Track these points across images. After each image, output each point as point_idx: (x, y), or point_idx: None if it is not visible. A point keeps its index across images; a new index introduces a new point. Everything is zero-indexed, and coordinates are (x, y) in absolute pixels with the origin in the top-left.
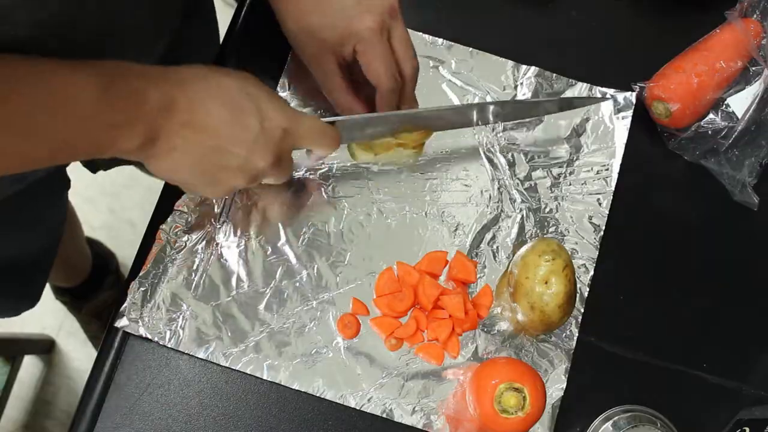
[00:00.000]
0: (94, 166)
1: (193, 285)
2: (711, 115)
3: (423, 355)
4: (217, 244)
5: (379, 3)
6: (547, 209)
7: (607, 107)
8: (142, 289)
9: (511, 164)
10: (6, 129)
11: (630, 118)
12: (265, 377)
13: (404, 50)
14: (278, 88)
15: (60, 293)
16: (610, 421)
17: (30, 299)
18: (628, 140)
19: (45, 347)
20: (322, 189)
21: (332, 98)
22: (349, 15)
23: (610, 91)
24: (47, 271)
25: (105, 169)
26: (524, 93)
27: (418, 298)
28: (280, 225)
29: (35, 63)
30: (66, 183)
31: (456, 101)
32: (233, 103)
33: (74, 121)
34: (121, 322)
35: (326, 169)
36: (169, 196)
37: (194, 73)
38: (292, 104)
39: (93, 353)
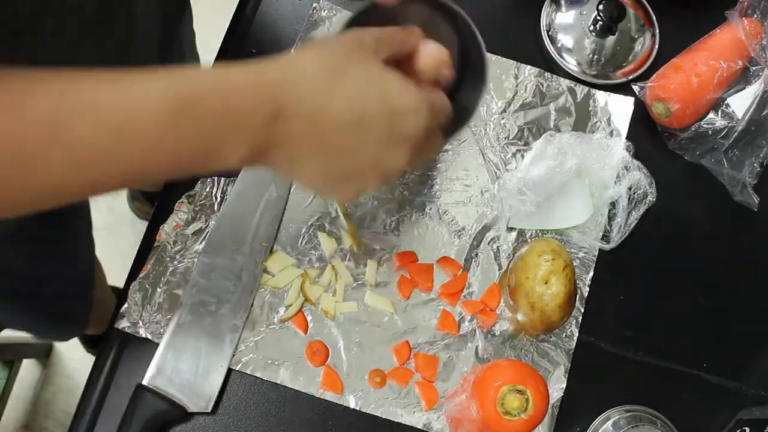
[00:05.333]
0: None
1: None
2: (711, 115)
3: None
4: None
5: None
6: None
7: (606, 108)
8: (142, 290)
9: (511, 164)
10: (56, 158)
11: (630, 118)
12: (265, 377)
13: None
14: None
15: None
16: (610, 421)
17: (78, 325)
18: (628, 140)
19: (44, 351)
20: None
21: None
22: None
23: (610, 92)
24: (87, 298)
25: None
26: (525, 93)
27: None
28: (279, 225)
29: (96, 78)
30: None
31: None
32: (358, 102)
33: (145, 144)
34: (122, 323)
35: None
36: (169, 196)
37: (305, 63)
38: None
39: (94, 354)
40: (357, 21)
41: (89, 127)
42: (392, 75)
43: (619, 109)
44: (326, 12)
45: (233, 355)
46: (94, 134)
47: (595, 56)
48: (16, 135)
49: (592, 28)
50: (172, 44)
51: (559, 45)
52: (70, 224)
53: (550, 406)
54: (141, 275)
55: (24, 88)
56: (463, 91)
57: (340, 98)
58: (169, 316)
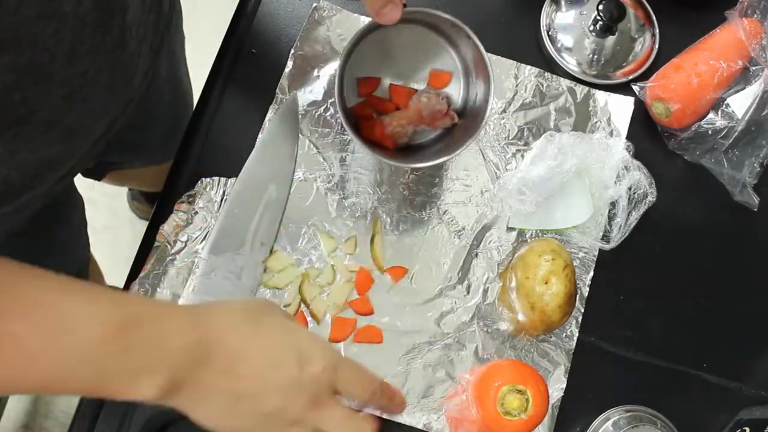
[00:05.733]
0: (99, 174)
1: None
2: (711, 115)
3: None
4: None
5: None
6: None
7: (606, 108)
8: (143, 289)
9: (511, 164)
10: None
11: (630, 118)
12: None
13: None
14: (277, 91)
15: None
16: (610, 421)
17: None
18: (628, 140)
19: None
20: (323, 190)
21: None
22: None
23: (610, 92)
24: None
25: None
26: (525, 93)
27: None
28: (279, 225)
29: (39, 276)
30: (77, 201)
31: None
32: (273, 347)
33: (74, 354)
34: None
35: (328, 170)
36: (169, 196)
37: (230, 312)
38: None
39: None
40: (359, 40)
41: (27, 323)
42: (305, 329)
43: (619, 109)
44: (326, 12)
45: None
46: (29, 332)
47: (595, 56)
48: None
49: (592, 28)
50: (162, 51)
51: (559, 45)
52: (62, 230)
53: (550, 406)
54: (141, 275)
55: None
56: (469, 102)
57: (257, 340)
58: None
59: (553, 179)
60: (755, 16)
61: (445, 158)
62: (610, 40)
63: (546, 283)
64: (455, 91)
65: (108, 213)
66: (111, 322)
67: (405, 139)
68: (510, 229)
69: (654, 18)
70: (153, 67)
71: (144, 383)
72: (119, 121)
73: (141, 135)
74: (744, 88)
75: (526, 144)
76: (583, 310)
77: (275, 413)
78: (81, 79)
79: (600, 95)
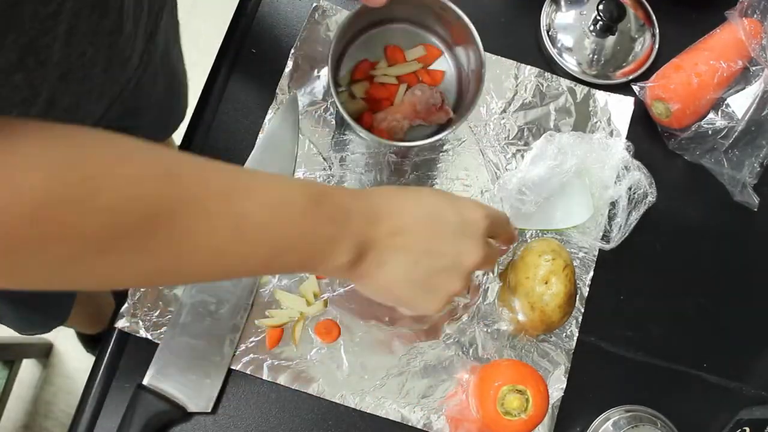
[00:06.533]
0: None
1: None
2: (711, 115)
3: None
4: None
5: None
6: None
7: (606, 108)
8: (142, 290)
9: (511, 164)
10: (224, 225)
11: (630, 118)
12: (265, 377)
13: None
14: (277, 91)
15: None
16: (610, 421)
17: (61, 316)
18: (628, 140)
19: (44, 351)
20: None
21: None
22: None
23: (610, 92)
24: (72, 297)
25: None
26: (525, 93)
27: None
28: None
29: (246, 170)
30: None
31: None
32: (429, 204)
33: (291, 225)
34: (121, 323)
35: (328, 170)
36: None
37: (385, 187)
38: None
39: (93, 354)
40: (350, 23)
41: (252, 202)
42: (452, 193)
43: (619, 109)
44: (326, 12)
45: (233, 355)
46: (255, 209)
47: (595, 56)
48: (201, 201)
49: (592, 28)
50: (157, 36)
51: (559, 45)
52: None
53: (550, 406)
54: None
55: (203, 169)
56: (463, 97)
57: (414, 200)
58: (169, 316)
59: (553, 179)
60: (755, 16)
61: (442, 135)
62: (610, 40)
63: (546, 283)
64: (449, 89)
65: None
66: (311, 195)
67: (401, 135)
68: None
69: (654, 18)
70: (147, 51)
71: (341, 248)
72: (116, 104)
73: (133, 122)
74: (744, 88)
75: (526, 144)
76: (583, 310)
77: (452, 266)
78: (78, 60)
79: (600, 95)
